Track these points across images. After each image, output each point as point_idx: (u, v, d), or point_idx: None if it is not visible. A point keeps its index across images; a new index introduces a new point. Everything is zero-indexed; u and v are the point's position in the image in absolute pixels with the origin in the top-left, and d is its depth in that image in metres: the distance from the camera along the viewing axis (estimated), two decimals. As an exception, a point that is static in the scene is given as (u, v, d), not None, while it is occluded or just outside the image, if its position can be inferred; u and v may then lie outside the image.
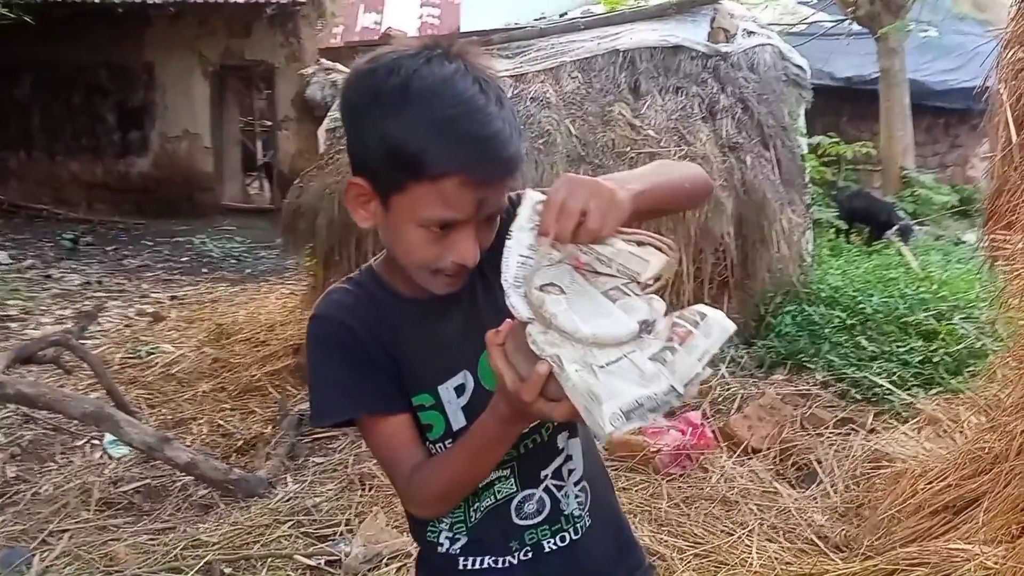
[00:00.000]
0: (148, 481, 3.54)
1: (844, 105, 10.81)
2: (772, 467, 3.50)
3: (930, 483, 2.63)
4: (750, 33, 5.17)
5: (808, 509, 3.14)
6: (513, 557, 1.14)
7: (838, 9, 10.08)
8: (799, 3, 11.07)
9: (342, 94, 1.07)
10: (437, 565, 1.17)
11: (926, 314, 4.27)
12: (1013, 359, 2.89)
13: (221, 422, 4.24)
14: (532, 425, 1.09)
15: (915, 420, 3.47)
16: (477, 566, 1.15)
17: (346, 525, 3.14)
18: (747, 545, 2.89)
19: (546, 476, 1.15)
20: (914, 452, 3.09)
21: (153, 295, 7.28)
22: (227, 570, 2.84)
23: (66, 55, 10.79)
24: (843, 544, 2.86)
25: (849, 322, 4.36)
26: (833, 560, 2.73)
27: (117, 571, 2.85)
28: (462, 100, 0.96)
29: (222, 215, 11.20)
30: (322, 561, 2.88)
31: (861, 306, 4.45)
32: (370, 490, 3.42)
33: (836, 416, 3.80)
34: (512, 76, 4.91)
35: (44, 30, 9.02)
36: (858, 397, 3.92)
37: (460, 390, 1.11)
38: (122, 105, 11.38)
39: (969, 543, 2.25)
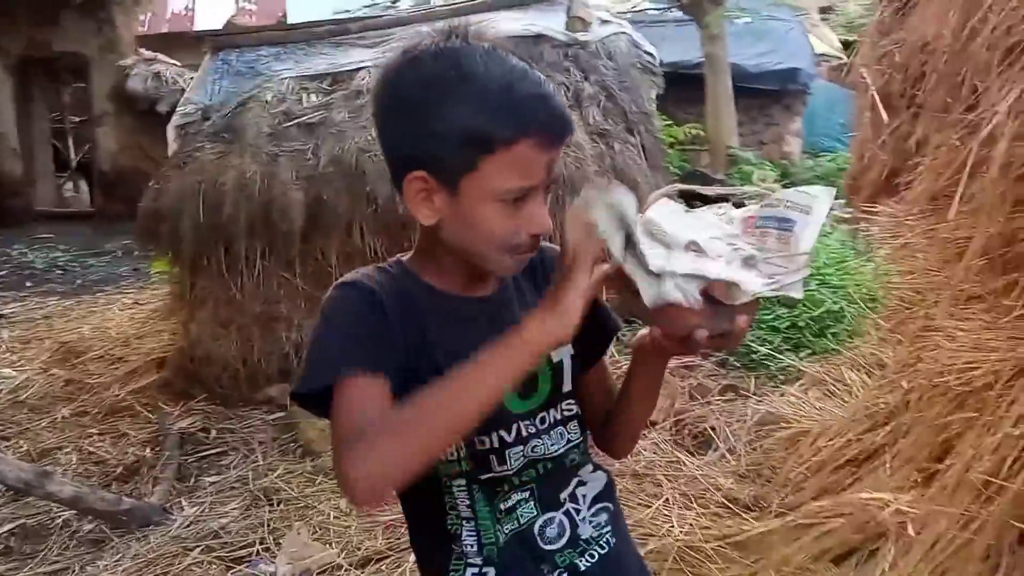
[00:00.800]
0: (23, 521, 3.21)
1: (671, 89, 11.33)
2: (671, 437, 3.67)
3: (831, 440, 2.85)
4: (604, 22, 5.33)
5: (713, 474, 3.32)
6: None
7: (664, -3, 10.58)
8: (626, -9, 11.52)
9: (384, 93, 1.03)
10: None
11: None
12: (884, 320, 3.19)
13: (91, 449, 3.90)
14: (548, 452, 1.10)
15: (801, 382, 3.75)
16: None
17: (261, 544, 3.00)
18: (666, 515, 3.02)
19: (565, 499, 1.14)
20: (807, 412, 3.34)
21: (-27, 315, 6.55)
22: (142, 607, 2.65)
23: None
24: (752, 504, 3.05)
25: (717, 295, 4.62)
26: (748, 520, 2.90)
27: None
28: (510, 67, 0.98)
29: (37, 222, 10.24)
30: (246, 585, 2.74)
31: (726, 279, 4.73)
32: (279, 504, 3.28)
33: (720, 384, 4.04)
34: (377, 66, 4.82)
35: None
36: (737, 365, 4.18)
37: None
38: (-91, 105, 10.12)
39: (879, 492, 2.46)
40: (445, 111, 0.96)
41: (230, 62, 5.19)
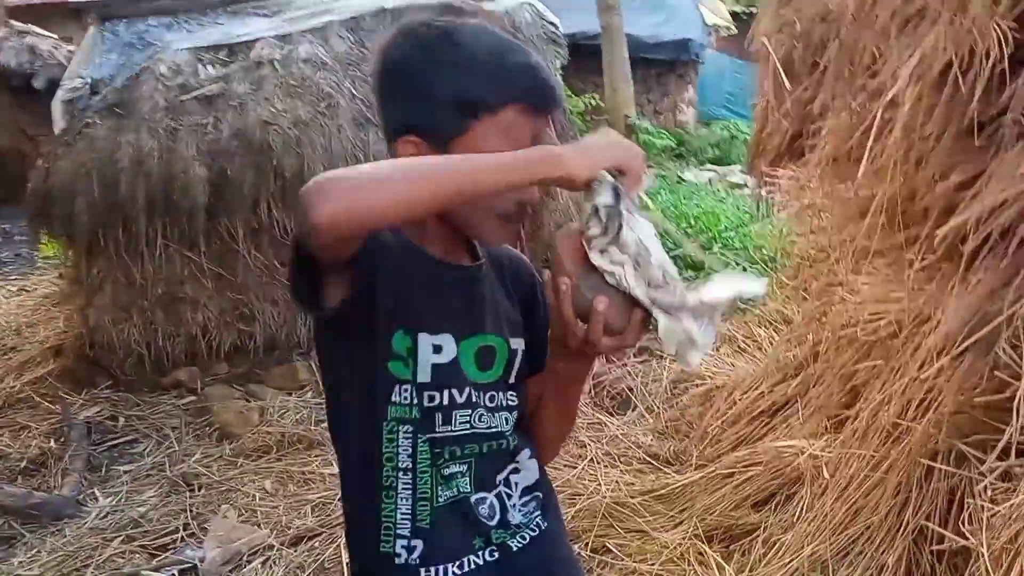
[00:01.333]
0: (-78, 524, 3.03)
1: (571, 59, 11.44)
2: (591, 400, 3.76)
3: (744, 393, 2.99)
4: (508, -9, 5.32)
5: (633, 433, 3.43)
6: (478, 557, 1.11)
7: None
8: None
9: (380, 65, 1.07)
10: None
11: (692, 246, 4.76)
12: (789, 278, 3.35)
13: (-11, 444, 3.70)
14: (493, 428, 1.11)
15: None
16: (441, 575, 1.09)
17: (185, 530, 2.93)
18: (592, 474, 3.11)
19: (500, 483, 1.14)
20: (720, 369, 3.49)
21: None
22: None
23: None
24: (672, 458, 3.17)
25: (627, 260, 4.75)
26: (670, 474, 3.02)
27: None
28: (502, 39, 1.05)
29: (-98, 208, 9.48)
30: (175, 572, 2.67)
31: (635, 245, 4.86)
32: (200, 489, 3.21)
33: (634, 347, 4.16)
34: (277, 37, 4.68)
35: None
36: (649, 328, 4.30)
37: (437, 349, 1.08)
38: None
39: (793, 440, 2.61)
40: (436, 77, 1.01)
41: (118, 33, 4.92)
